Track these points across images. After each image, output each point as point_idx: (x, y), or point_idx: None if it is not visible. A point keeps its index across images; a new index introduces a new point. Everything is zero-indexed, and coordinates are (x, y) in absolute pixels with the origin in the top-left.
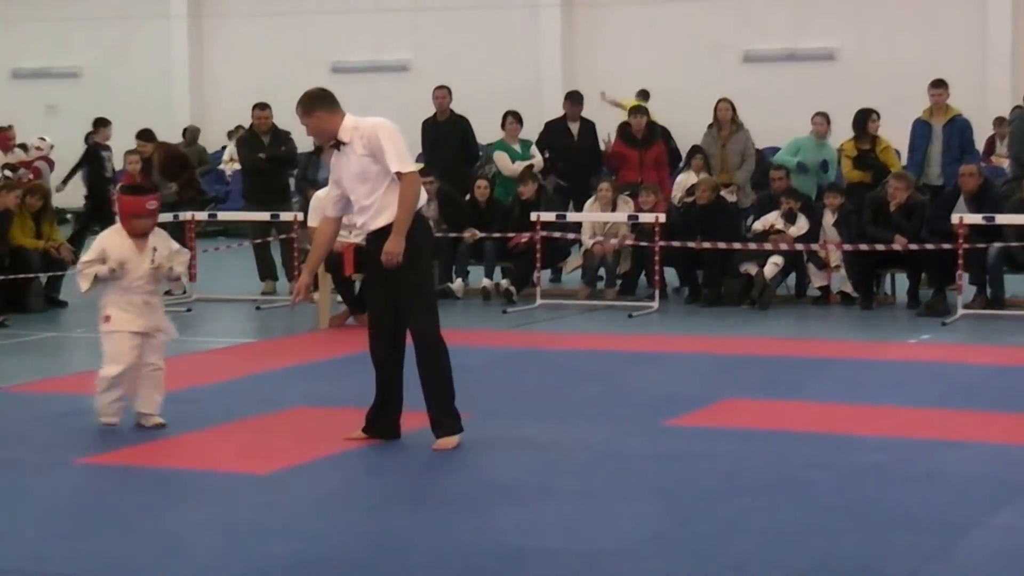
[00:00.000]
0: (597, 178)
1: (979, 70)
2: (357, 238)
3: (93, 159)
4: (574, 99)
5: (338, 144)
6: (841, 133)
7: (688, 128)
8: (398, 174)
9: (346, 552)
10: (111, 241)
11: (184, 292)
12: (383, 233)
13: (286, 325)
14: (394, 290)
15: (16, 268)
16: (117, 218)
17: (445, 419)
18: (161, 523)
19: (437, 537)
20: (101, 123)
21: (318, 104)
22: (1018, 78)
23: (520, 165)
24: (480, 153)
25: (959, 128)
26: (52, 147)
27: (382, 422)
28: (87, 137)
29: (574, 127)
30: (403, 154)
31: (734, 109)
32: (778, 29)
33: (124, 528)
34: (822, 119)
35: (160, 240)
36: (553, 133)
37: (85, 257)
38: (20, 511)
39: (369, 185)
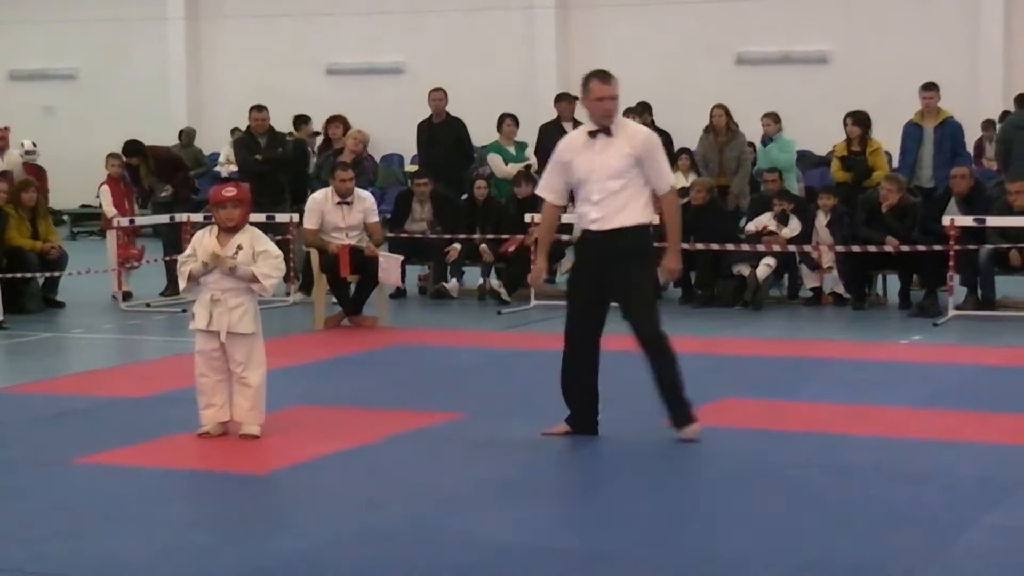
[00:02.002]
0: None
1: (970, 73)
2: (352, 240)
3: None
4: (567, 99)
5: (601, 132)
6: (833, 135)
7: (682, 131)
8: (666, 192)
9: (343, 550)
10: (201, 238)
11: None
12: (615, 233)
13: (282, 326)
14: (618, 290)
15: (13, 269)
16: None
17: (680, 411)
18: (160, 523)
19: (433, 536)
20: None
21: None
22: (1009, 81)
23: (513, 167)
24: (475, 155)
25: (950, 131)
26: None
27: (584, 414)
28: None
29: (568, 127)
30: (669, 171)
31: (728, 114)
32: (771, 32)
33: (122, 528)
34: (769, 119)
35: (249, 239)
36: (548, 136)
37: (181, 256)
38: (18, 511)
39: (620, 183)
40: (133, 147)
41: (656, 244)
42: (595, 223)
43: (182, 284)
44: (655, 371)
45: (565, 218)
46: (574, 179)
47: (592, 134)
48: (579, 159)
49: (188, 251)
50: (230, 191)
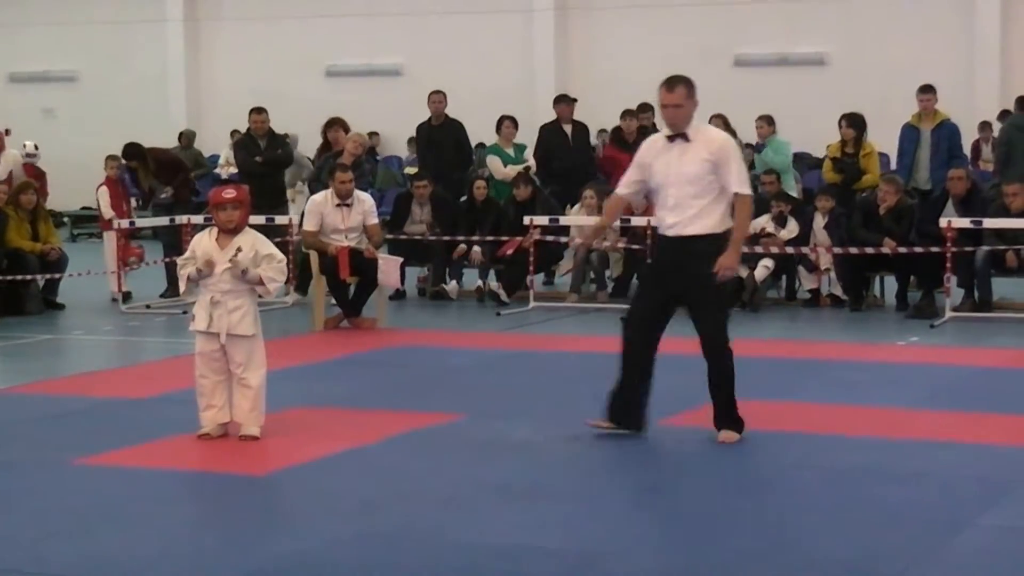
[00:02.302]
0: (591, 183)
1: (967, 76)
2: (352, 242)
3: None
4: (566, 101)
5: (678, 137)
6: (831, 137)
7: None
8: (737, 195)
9: (341, 552)
10: (200, 240)
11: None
12: (692, 240)
13: (282, 327)
14: (689, 293)
15: (13, 270)
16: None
17: (726, 416)
18: (159, 523)
19: (431, 537)
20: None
21: (694, 91)
22: (1005, 83)
23: (512, 169)
24: (474, 157)
25: (947, 133)
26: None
27: (632, 413)
28: None
29: (568, 129)
30: (745, 176)
31: (726, 123)
32: (769, 34)
33: (122, 528)
34: (762, 122)
35: (249, 241)
36: (548, 137)
37: (181, 258)
38: (18, 512)
39: (698, 189)
40: (132, 150)
41: None
42: (672, 228)
43: (182, 286)
44: (713, 373)
45: (564, 221)
46: (653, 182)
47: (670, 139)
48: (658, 163)
49: (187, 253)
50: (229, 193)
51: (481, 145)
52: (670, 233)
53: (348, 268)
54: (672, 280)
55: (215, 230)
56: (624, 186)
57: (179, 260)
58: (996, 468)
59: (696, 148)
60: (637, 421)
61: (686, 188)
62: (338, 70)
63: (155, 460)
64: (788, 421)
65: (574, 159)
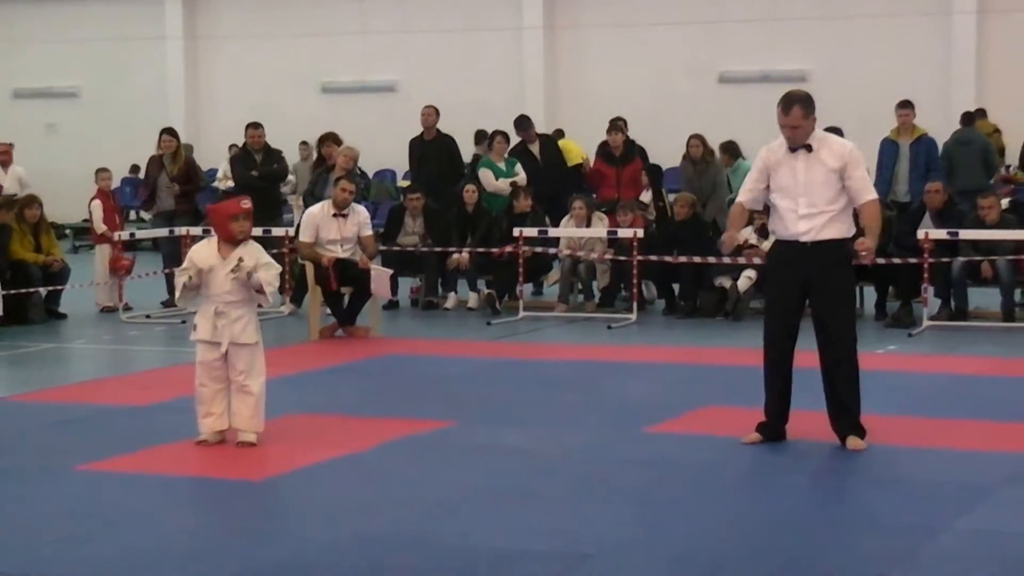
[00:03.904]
0: (574, 195)
1: (943, 91)
2: (346, 252)
3: None
4: (523, 125)
5: (801, 148)
6: None
7: (667, 147)
8: (867, 201)
9: (337, 555)
10: (199, 251)
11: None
12: (828, 245)
13: (277, 336)
14: (820, 299)
15: (17, 281)
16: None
17: (848, 423)
18: (159, 527)
19: (424, 540)
20: None
21: (811, 108)
22: (981, 99)
23: (504, 182)
24: (464, 171)
25: (925, 147)
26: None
27: (779, 424)
28: None
29: (535, 149)
30: (869, 183)
31: (704, 144)
32: (753, 51)
33: (122, 533)
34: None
35: (249, 252)
36: (520, 160)
37: (179, 268)
38: (22, 516)
39: (831, 194)
40: (172, 131)
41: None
42: (805, 235)
43: (177, 295)
44: (837, 378)
45: (553, 232)
46: (777, 190)
47: (792, 149)
48: (783, 169)
49: (185, 263)
50: (247, 203)
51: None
52: (804, 239)
53: (335, 281)
54: (803, 286)
55: (215, 240)
56: (745, 192)
57: (176, 271)
58: (972, 473)
59: (822, 157)
60: (781, 431)
61: (822, 193)
62: (333, 86)
63: (155, 466)
64: None
65: (546, 177)
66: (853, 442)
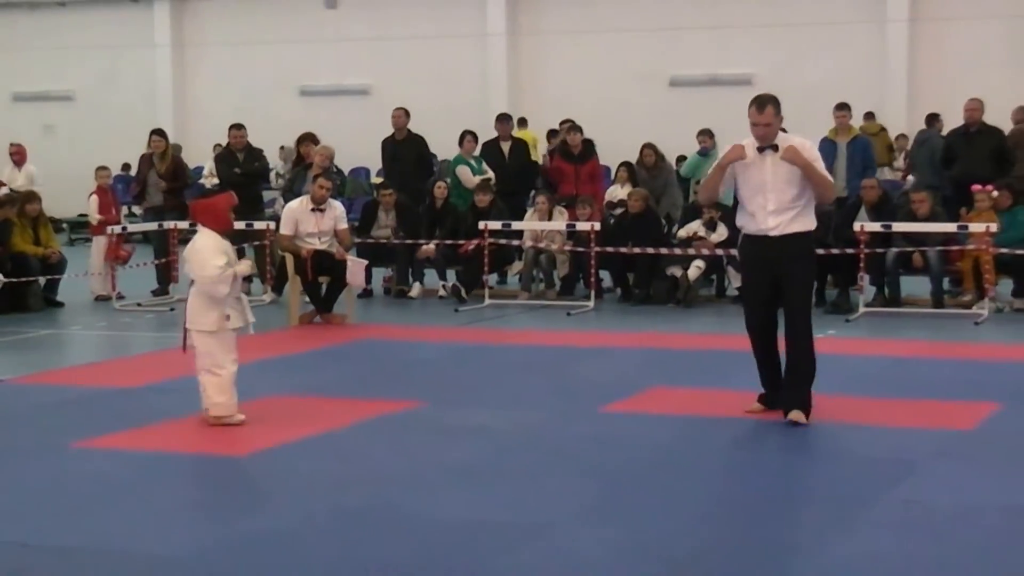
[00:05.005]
0: (536, 192)
1: (878, 95)
2: (324, 244)
3: None
4: (503, 120)
5: (768, 148)
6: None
7: (621, 146)
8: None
9: (315, 526)
10: (224, 243)
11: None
12: (795, 238)
13: (258, 323)
14: (786, 286)
15: (17, 272)
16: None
17: (796, 398)
18: (150, 499)
19: (396, 513)
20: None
21: (780, 109)
22: (912, 101)
23: (479, 178)
24: (435, 168)
25: (861, 146)
26: None
27: (776, 395)
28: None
29: (505, 146)
30: (825, 171)
31: (656, 151)
32: (701, 57)
33: (116, 504)
34: (705, 136)
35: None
36: (488, 153)
37: (220, 262)
38: (22, 490)
39: (796, 191)
40: (161, 132)
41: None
42: (774, 230)
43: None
44: (794, 357)
45: (516, 226)
46: (746, 187)
47: (760, 149)
48: (752, 170)
49: (225, 257)
50: (234, 198)
51: (443, 161)
52: (773, 233)
53: (313, 270)
54: (773, 276)
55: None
56: (724, 188)
57: (218, 264)
58: (905, 449)
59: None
60: (775, 400)
61: (787, 190)
62: (311, 90)
63: (147, 443)
64: (718, 407)
65: (508, 174)
66: (795, 415)
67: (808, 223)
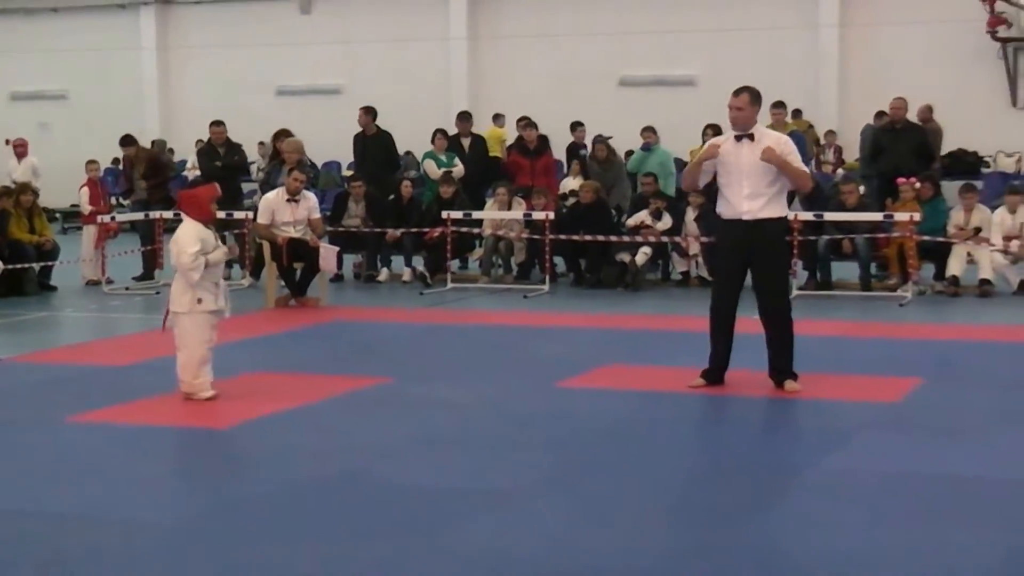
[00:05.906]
0: (496, 184)
1: (812, 94)
2: (298, 233)
3: None
4: (463, 118)
5: (745, 137)
6: (698, 144)
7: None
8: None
9: (292, 493)
10: (204, 232)
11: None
12: (767, 223)
13: (238, 305)
14: (760, 269)
15: (14, 259)
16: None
17: (786, 371)
18: (139, 469)
19: (367, 481)
20: None
21: (758, 100)
22: (842, 99)
23: (443, 171)
24: (402, 163)
25: (794, 141)
26: None
27: (720, 372)
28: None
29: (466, 142)
30: (803, 165)
31: (608, 147)
32: (649, 59)
33: (107, 474)
34: (648, 132)
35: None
36: (449, 148)
37: (193, 249)
38: (20, 461)
39: (770, 178)
40: (127, 140)
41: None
42: (747, 214)
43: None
44: (775, 336)
45: (477, 215)
46: (723, 174)
47: (738, 139)
48: (729, 158)
49: (199, 245)
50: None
51: (408, 153)
52: (747, 218)
53: (289, 256)
54: (746, 258)
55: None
56: (704, 175)
57: (192, 251)
58: (836, 419)
59: (762, 144)
60: (721, 377)
61: (761, 176)
62: (287, 90)
63: (135, 417)
64: (664, 382)
65: (471, 169)
66: (790, 385)
67: (780, 209)
